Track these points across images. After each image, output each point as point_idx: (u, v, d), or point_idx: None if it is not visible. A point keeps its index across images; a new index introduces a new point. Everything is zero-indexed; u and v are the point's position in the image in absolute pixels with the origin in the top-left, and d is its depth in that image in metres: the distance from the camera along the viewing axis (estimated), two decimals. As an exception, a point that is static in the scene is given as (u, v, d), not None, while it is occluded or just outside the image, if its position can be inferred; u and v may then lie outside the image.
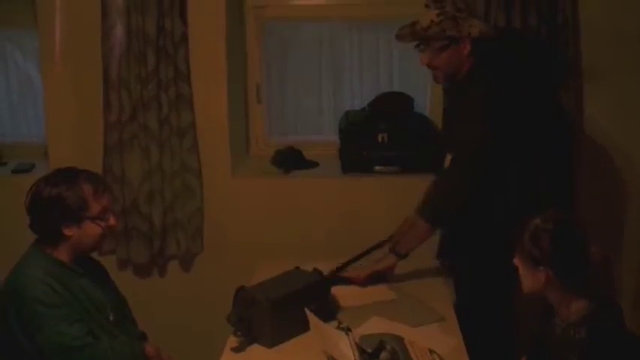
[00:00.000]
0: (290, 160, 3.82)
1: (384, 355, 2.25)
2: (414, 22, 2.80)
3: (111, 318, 2.62)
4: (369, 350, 2.27)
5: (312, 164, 3.85)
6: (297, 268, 2.77)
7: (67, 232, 2.42)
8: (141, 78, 3.50)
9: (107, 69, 3.53)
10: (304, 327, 2.48)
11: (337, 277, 2.93)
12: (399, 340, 2.33)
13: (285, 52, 3.98)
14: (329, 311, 2.67)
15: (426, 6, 2.76)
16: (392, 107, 3.75)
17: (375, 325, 2.60)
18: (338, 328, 2.42)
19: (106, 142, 3.62)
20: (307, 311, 2.37)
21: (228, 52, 3.59)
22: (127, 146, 3.59)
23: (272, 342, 2.50)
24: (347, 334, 2.34)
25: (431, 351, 2.34)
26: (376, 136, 3.61)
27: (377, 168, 3.65)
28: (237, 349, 2.50)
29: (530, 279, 2.22)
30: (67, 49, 3.63)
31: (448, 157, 2.85)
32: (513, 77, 2.79)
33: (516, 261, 2.26)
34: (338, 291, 2.85)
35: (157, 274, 3.88)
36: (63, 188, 2.40)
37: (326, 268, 3.01)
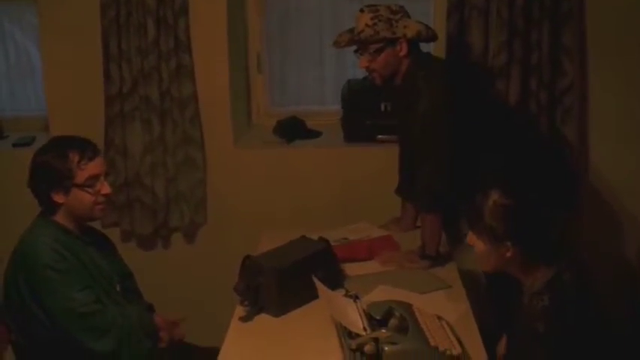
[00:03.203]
0: (292, 129, 3.80)
1: (392, 321, 2.25)
2: (352, 28, 2.84)
3: (118, 289, 2.63)
4: (378, 317, 2.27)
5: (315, 134, 3.83)
6: (304, 236, 2.76)
7: (57, 198, 2.43)
8: (141, 49, 3.47)
9: (107, 41, 3.50)
10: (312, 296, 2.48)
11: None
12: (408, 306, 2.33)
13: (286, 22, 3.94)
14: (336, 279, 2.67)
15: (361, 11, 2.80)
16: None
17: (382, 293, 2.60)
18: (346, 295, 2.42)
19: (107, 115, 3.60)
20: (315, 279, 2.37)
21: (229, 22, 3.56)
22: (129, 118, 3.57)
23: (279, 311, 2.50)
24: (355, 302, 2.34)
25: (439, 317, 2.34)
26: (379, 104, 3.59)
27: (380, 137, 3.63)
28: (245, 319, 2.50)
29: (493, 256, 2.17)
30: (66, 21, 3.60)
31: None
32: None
33: (471, 239, 2.22)
34: (344, 259, 2.85)
35: (160, 246, 3.87)
36: (50, 156, 2.43)
37: (330, 236, 3.02)
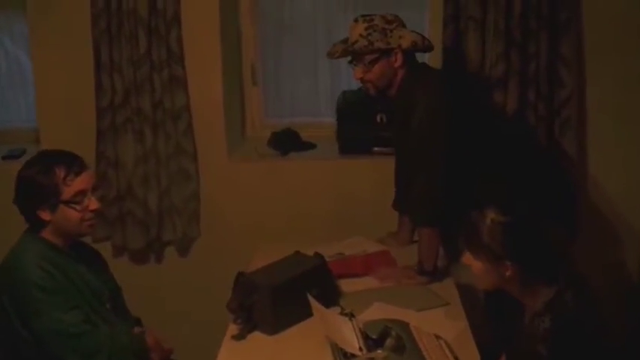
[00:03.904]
0: (287, 142, 3.75)
1: (389, 341, 2.19)
2: (346, 38, 2.79)
3: (108, 306, 2.57)
4: (374, 336, 2.21)
5: (310, 146, 3.78)
6: (298, 252, 2.70)
7: (43, 216, 2.36)
8: (133, 60, 3.41)
9: (98, 51, 3.44)
10: (306, 313, 2.42)
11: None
12: (405, 325, 2.28)
13: (279, 32, 3.90)
14: (331, 296, 2.60)
15: (355, 21, 2.75)
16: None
17: (378, 311, 2.54)
18: (341, 314, 2.36)
19: (99, 127, 3.53)
20: (309, 297, 2.31)
21: (222, 32, 3.51)
22: (121, 130, 3.51)
23: (274, 329, 2.44)
24: (350, 320, 2.28)
25: (437, 336, 2.29)
26: (374, 116, 3.54)
27: (375, 149, 3.58)
28: (237, 337, 2.43)
29: (491, 275, 2.12)
30: (57, 31, 3.54)
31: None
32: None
33: (467, 259, 2.16)
34: (340, 275, 2.79)
35: (153, 261, 3.81)
36: (34, 170, 2.35)
37: (325, 251, 2.95)
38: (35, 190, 2.34)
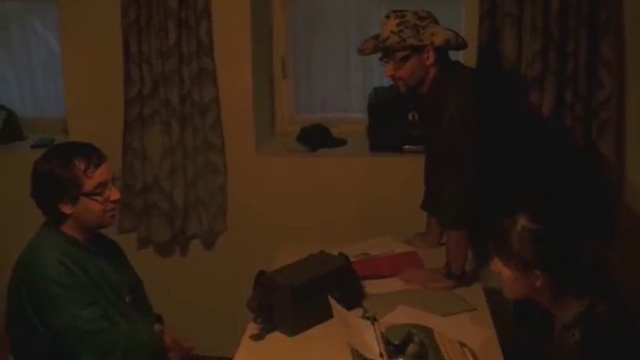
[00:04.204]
0: (316, 137, 3.68)
1: (411, 347, 2.12)
2: (377, 34, 2.71)
3: (127, 300, 2.53)
4: (396, 342, 2.14)
5: (340, 142, 3.71)
6: (322, 251, 2.64)
7: (64, 209, 2.32)
8: (162, 51, 3.38)
9: (127, 42, 3.41)
10: (328, 315, 2.34)
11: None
12: (429, 331, 2.20)
13: (311, 25, 3.83)
14: (354, 298, 2.54)
15: (387, 17, 2.67)
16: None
17: (402, 315, 2.47)
18: (363, 317, 2.29)
19: (126, 118, 3.51)
20: (330, 299, 2.25)
21: (253, 25, 3.46)
22: (148, 122, 3.48)
23: (294, 330, 2.38)
24: (373, 324, 2.21)
25: (462, 344, 2.21)
26: (406, 113, 3.45)
27: (406, 147, 3.50)
28: (256, 337, 2.37)
29: (520, 284, 2.03)
30: (87, 22, 3.54)
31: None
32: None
33: (496, 266, 2.07)
34: (364, 276, 2.72)
35: (178, 253, 3.78)
36: (54, 165, 2.30)
37: (351, 250, 2.89)
38: (56, 184, 2.30)
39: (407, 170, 3.36)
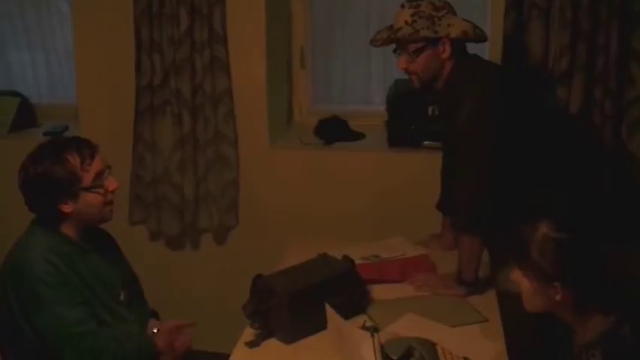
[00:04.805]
0: (333, 130, 3.54)
1: (410, 363, 1.98)
2: (392, 25, 2.55)
3: (122, 297, 2.43)
4: (395, 358, 1.99)
5: (358, 136, 3.57)
6: (325, 254, 2.50)
7: (65, 208, 2.21)
8: (173, 40, 3.26)
9: (138, 30, 3.30)
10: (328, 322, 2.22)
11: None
12: (431, 345, 2.06)
13: (331, 14, 3.68)
14: (358, 305, 2.39)
15: (401, 6, 2.50)
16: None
17: (408, 324, 2.33)
18: (363, 327, 2.15)
19: (137, 108, 3.40)
20: (328, 307, 2.11)
21: (268, 13, 3.32)
22: (159, 112, 3.38)
23: (290, 337, 2.25)
24: (372, 336, 2.07)
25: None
26: (426, 108, 3.29)
27: (426, 143, 3.33)
28: (251, 344, 2.25)
29: (539, 297, 1.85)
30: (100, 9, 3.44)
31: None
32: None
33: (516, 275, 1.90)
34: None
35: (189, 247, 3.68)
36: (48, 164, 2.18)
37: (361, 251, 2.76)
38: (53, 185, 2.18)
39: (426, 167, 3.19)
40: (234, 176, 3.47)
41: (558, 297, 1.81)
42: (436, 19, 2.45)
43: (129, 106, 3.42)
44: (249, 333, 2.31)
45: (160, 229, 3.53)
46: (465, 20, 2.50)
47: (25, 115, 3.92)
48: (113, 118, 3.52)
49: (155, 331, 2.45)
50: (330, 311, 2.11)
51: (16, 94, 3.97)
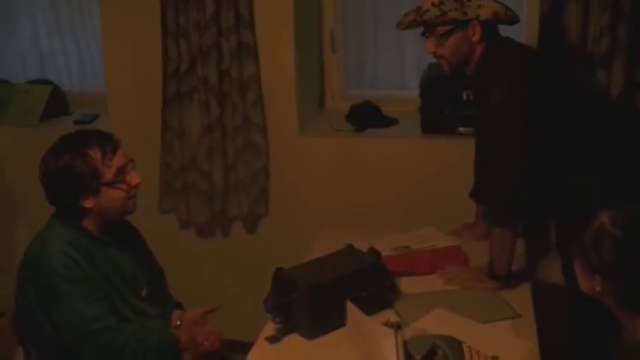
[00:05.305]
0: (365, 116, 3.44)
1: (433, 362, 1.89)
2: (419, 7, 2.44)
3: (144, 293, 2.36)
4: (418, 357, 1.90)
5: (391, 122, 3.46)
6: (351, 246, 2.41)
7: (86, 204, 2.15)
8: (199, 25, 3.18)
9: (165, 16, 3.23)
10: (352, 318, 2.14)
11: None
12: (457, 344, 1.97)
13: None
14: (385, 299, 2.31)
15: None
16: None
17: (436, 319, 2.24)
18: (387, 324, 2.06)
19: (165, 95, 3.35)
20: (348, 302, 2.03)
21: (297, -5, 3.23)
22: (186, 99, 3.32)
23: (312, 333, 2.18)
24: (396, 333, 1.98)
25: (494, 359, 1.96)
26: (461, 93, 3.17)
27: (460, 129, 3.21)
28: (272, 339, 2.19)
29: (584, 282, 1.75)
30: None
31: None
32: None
33: (574, 254, 1.79)
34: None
35: (220, 235, 3.62)
36: (68, 158, 2.12)
37: (391, 242, 2.67)
38: (74, 179, 2.12)
39: (460, 154, 3.07)
40: (264, 164, 3.40)
41: (598, 289, 1.71)
42: (465, 1, 2.34)
43: (156, 93, 3.36)
44: (270, 327, 2.25)
45: (189, 217, 3.48)
46: (496, 1, 2.38)
47: (57, 103, 3.90)
48: (141, 106, 3.47)
49: (178, 323, 2.40)
50: (350, 307, 2.03)
51: (47, 82, 3.95)
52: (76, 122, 3.73)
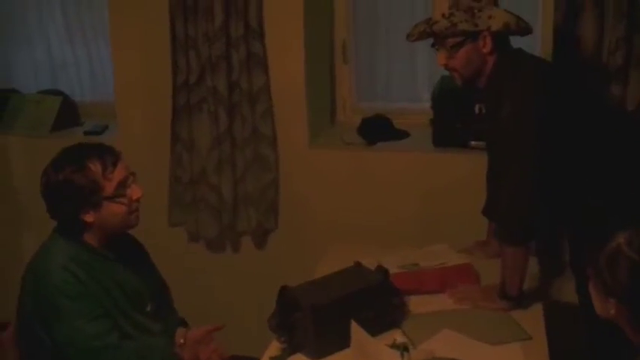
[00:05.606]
0: (376, 129, 3.39)
1: (440, 388, 1.82)
2: (429, 18, 2.39)
3: (148, 308, 2.32)
4: (424, 381, 1.85)
5: (402, 135, 3.40)
6: (359, 264, 2.36)
7: (87, 218, 2.11)
8: (208, 36, 3.14)
9: (174, 26, 3.20)
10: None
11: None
12: (464, 368, 1.90)
13: (374, 6, 3.52)
14: (392, 318, 2.25)
15: None
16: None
17: (445, 340, 2.18)
18: (393, 345, 2.00)
19: (174, 106, 3.31)
20: (353, 323, 1.97)
21: (306, 6, 3.18)
22: (195, 110, 3.27)
23: (317, 354, 2.12)
24: (402, 355, 1.92)
25: (504, 384, 1.89)
26: (472, 106, 3.10)
27: (473, 143, 3.14)
28: (276, 359, 2.13)
29: (599, 305, 1.69)
30: (135, 5, 3.35)
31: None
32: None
33: (589, 274, 1.73)
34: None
35: (230, 250, 3.58)
36: (68, 171, 2.08)
37: (400, 259, 2.61)
38: (73, 193, 2.08)
39: (472, 169, 3.00)
40: (274, 177, 3.35)
41: (612, 312, 1.64)
42: (476, 11, 2.28)
43: (166, 104, 3.33)
44: (275, 347, 2.20)
45: (198, 231, 3.44)
46: (508, 12, 2.32)
47: (68, 114, 3.87)
48: (151, 117, 3.45)
49: (182, 341, 2.35)
50: (355, 327, 1.97)
51: (58, 92, 3.93)
52: (86, 133, 3.70)
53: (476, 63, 2.35)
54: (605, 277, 1.63)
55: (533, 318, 2.30)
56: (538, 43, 3.08)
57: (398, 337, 2.06)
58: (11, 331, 2.28)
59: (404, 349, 1.95)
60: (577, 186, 2.40)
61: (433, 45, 2.41)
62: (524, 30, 2.33)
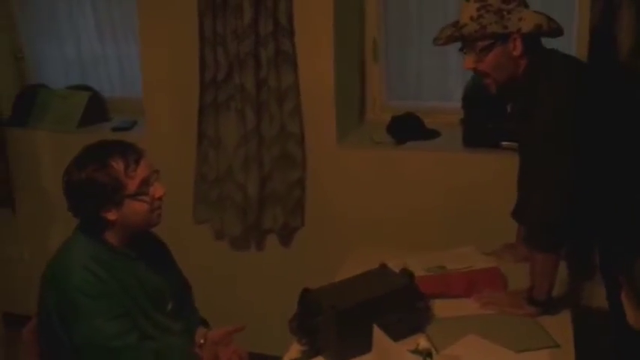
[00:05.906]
0: (406, 128, 3.33)
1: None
2: (456, 21, 2.32)
3: (169, 307, 2.31)
4: (446, 389, 1.80)
5: (432, 134, 3.34)
6: (384, 265, 2.31)
7: (109, 216, 2.10)
8: (237, 33, 3.12)
9: (202, 23, 3.18)
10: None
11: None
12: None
13: (406, 4, 3.46)
14: (416, 323, 2.21)
15: (466, 0, 2.25)
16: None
17: (469, 346, 2.13)
18: (415, 351, 1.96)
19: (201, 104, 3.29)
20: (375, 327, 1.93)
21: (337, 4, 3.14)
22: (223, 108, 3.25)
23: (338, 358, 2.08)
24: (424, 361, 1.88)
25: (528, 394, 1.84)
26: (504, 105, 3.03)
27: (504, 144, 3.07)
28: (296, 362, 2.10)
29: (631, 314, 1.62)
30: (164, 3, 3.34)
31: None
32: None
33: (621, 282, 1.66)
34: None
35: (254, 248, 3.55)
36: (90, 169, 2.06)
37: (426, 262, 2.56)
38: (95, 191, 2.07)
39: (502, 170, 2.94)
40: (301, 175, 3.31)
41: None
42: (505, 13, 2.21)
43: (193, 101, 3.31)
44: (295, 349, 2.17)
45: (223, 229, 3.42)
46: (538, 12, 2.25)
47: (96, 109, 3.89)
48: (178, 114, 3.44)
49: (202, 342, 2.33)
50: (377, 331, 1.92)
51: (87, 88, 3.94)
52: (114, 129, 3.70)
53: (506, 66, 2.28)
54: (636, 285, 1.57)
55: (561, 325, 2.24)
56: (574, 44, 3.00)
57: (421, 342, 2.01)
58: (32, 327, 2.28)
59: (427, 354, 1.91)
60: (610, 190, 2.33)
61: (461, 49, 2.35)
62: (556, 31, 2.26)
